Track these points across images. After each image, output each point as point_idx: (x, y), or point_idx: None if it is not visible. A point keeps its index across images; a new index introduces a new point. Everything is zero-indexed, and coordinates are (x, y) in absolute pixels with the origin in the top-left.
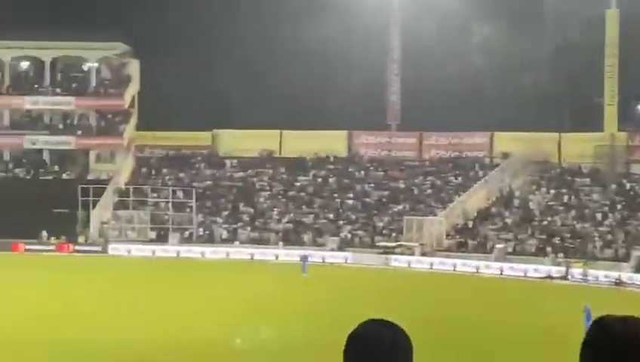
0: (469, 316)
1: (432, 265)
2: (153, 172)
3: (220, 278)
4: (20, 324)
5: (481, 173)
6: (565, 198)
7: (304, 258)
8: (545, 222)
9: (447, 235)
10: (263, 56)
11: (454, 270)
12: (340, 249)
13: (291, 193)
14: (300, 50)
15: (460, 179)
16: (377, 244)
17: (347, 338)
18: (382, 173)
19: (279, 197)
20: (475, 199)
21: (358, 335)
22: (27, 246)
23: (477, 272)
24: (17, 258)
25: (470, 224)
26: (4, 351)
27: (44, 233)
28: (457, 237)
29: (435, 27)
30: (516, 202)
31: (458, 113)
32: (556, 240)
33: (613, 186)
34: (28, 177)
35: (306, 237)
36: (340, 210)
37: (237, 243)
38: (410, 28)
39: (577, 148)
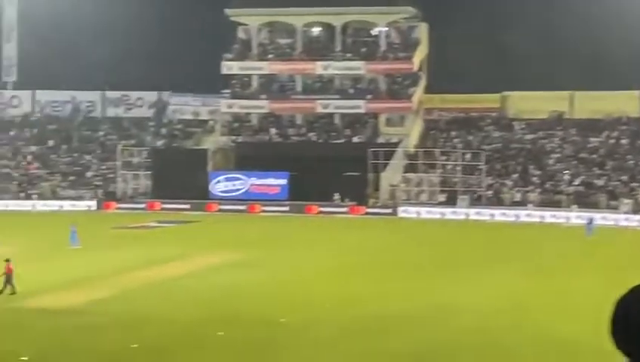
0: None
1: None
2: (442, 135)
3: (507, 240)
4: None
5: None
6: None
7: (590, 220)
8: None
9: None
10: (555, 16)
11: None
12: (635, 212)
13: (582, 155)
14: (593, 9)
15: None
16: None
17: (615, 304)
18: None
19: (570, 159)
20: None
21: (625, 302)
22: (320, 209)
23: None
24: (312, 219)
25: None
26: (297, 305)
27: (337, 195)
28: None
29: None
30: None
31: None
32: None
33: None
34: (320, 141)
35: (599, 199)
36: (634, 172)
37: (528, 205)
38: None
39: None
